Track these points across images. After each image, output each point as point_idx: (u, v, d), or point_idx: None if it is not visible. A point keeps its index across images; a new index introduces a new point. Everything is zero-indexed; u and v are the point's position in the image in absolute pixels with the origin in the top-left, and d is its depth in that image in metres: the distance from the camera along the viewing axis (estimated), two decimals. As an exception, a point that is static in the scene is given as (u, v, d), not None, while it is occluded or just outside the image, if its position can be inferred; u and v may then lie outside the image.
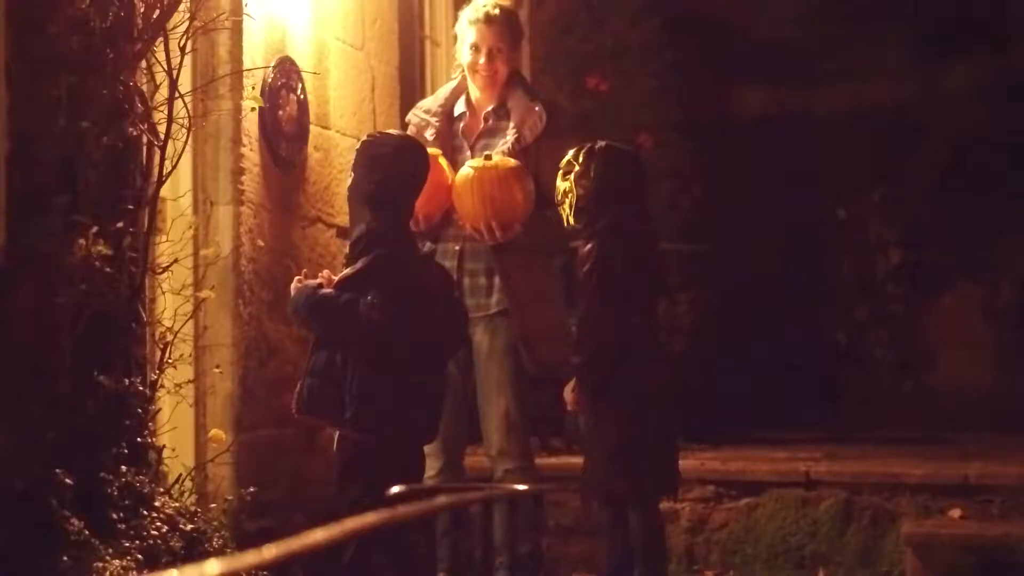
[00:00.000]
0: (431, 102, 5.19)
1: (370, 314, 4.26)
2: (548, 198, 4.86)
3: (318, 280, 4.40)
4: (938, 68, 7.65)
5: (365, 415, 4.29)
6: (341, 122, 5.73)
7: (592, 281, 4.69)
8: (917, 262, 8.29)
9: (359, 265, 4.35)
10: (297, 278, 4.46)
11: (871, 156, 8.23)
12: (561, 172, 4.78)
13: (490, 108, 5.07)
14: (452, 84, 5.19)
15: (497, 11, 5.04)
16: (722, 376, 7.09)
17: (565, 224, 4.79)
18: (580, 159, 4.76)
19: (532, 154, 4.95)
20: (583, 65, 7.50)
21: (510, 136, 4.98)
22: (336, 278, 4.39)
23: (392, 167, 4.45)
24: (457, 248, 4.96)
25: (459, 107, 5.12)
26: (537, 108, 5.02)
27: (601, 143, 4.84)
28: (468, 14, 5.07)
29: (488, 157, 4.87)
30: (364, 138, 4.66)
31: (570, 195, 4.74)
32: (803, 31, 7.60)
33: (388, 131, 5.00)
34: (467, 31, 5.05)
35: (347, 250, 4.51)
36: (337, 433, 4.46)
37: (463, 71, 5.12)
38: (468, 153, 5.03)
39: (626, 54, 7.45)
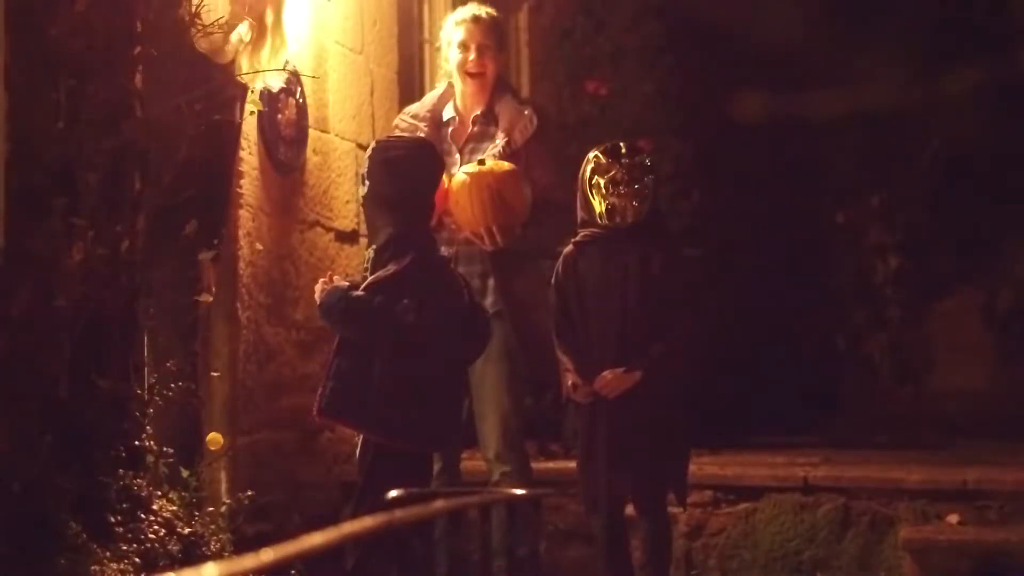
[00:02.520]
0: (418, 107, 5.22)
1: (405, 318, 4.27)
2: (537, 201, 4.86)
3: (346, 283, 4.40)
4: (938, 73, 7.64)
5: (390, 419, 4.28)
6: (340, 126, 5.73)
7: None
8: (916, 267, 8.27)
9: (392, 269, 4.34)
10: (322, 280, 4.46)
11: (870, 161, 8.22)
12: (591, 168, 4.71)
13: (478, 112, 5.08)
14: (438, 91, 5.21)
15: (484, 13, 5.08)
16: (720, 380, 7.08)
17: (600, 220, 4.70)
18: (623, 154, 4.69)
19: (522, 158, 4.96)
20: (582, 70, 7.50)
21: (499, 140, 4.99)
22: (367, 281, 4.37)
23: (412, 169, 4.48)
24: (451, 251, 4.95)
25: (447, 113, 5.14)
26: (527, 112, 5.04)
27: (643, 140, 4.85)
28: (455, 16, 5.13)
29: (482, 162, 4.88)
30: (374, 144, 4.64)
31: (607, 189, 4.66)
32: (802, 35, 7.59)
33: (398, 134, 5.00)
34: (454, 32, 5.08)
35: (369, 254, 4.49)
36: (360, 437, 4.46)
37: (449, 79, 5.14)
38: (457, 157, 5.04)
39: (625, 58, 7.45)
